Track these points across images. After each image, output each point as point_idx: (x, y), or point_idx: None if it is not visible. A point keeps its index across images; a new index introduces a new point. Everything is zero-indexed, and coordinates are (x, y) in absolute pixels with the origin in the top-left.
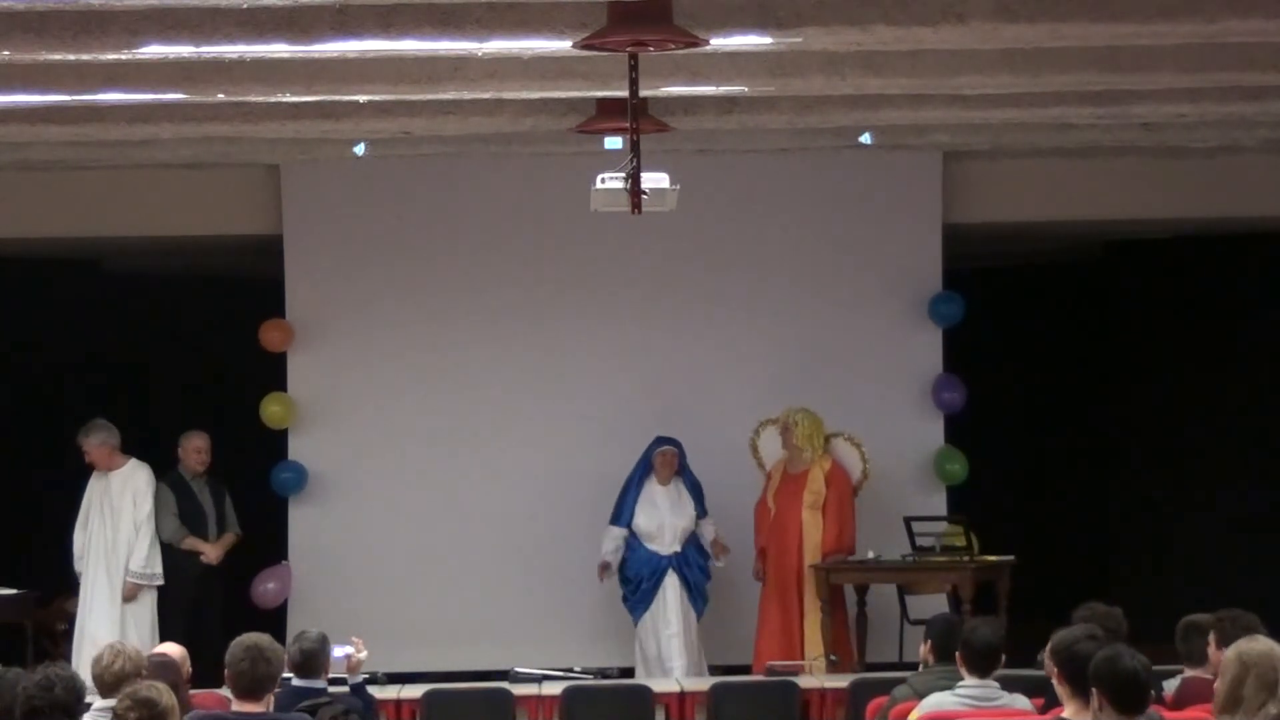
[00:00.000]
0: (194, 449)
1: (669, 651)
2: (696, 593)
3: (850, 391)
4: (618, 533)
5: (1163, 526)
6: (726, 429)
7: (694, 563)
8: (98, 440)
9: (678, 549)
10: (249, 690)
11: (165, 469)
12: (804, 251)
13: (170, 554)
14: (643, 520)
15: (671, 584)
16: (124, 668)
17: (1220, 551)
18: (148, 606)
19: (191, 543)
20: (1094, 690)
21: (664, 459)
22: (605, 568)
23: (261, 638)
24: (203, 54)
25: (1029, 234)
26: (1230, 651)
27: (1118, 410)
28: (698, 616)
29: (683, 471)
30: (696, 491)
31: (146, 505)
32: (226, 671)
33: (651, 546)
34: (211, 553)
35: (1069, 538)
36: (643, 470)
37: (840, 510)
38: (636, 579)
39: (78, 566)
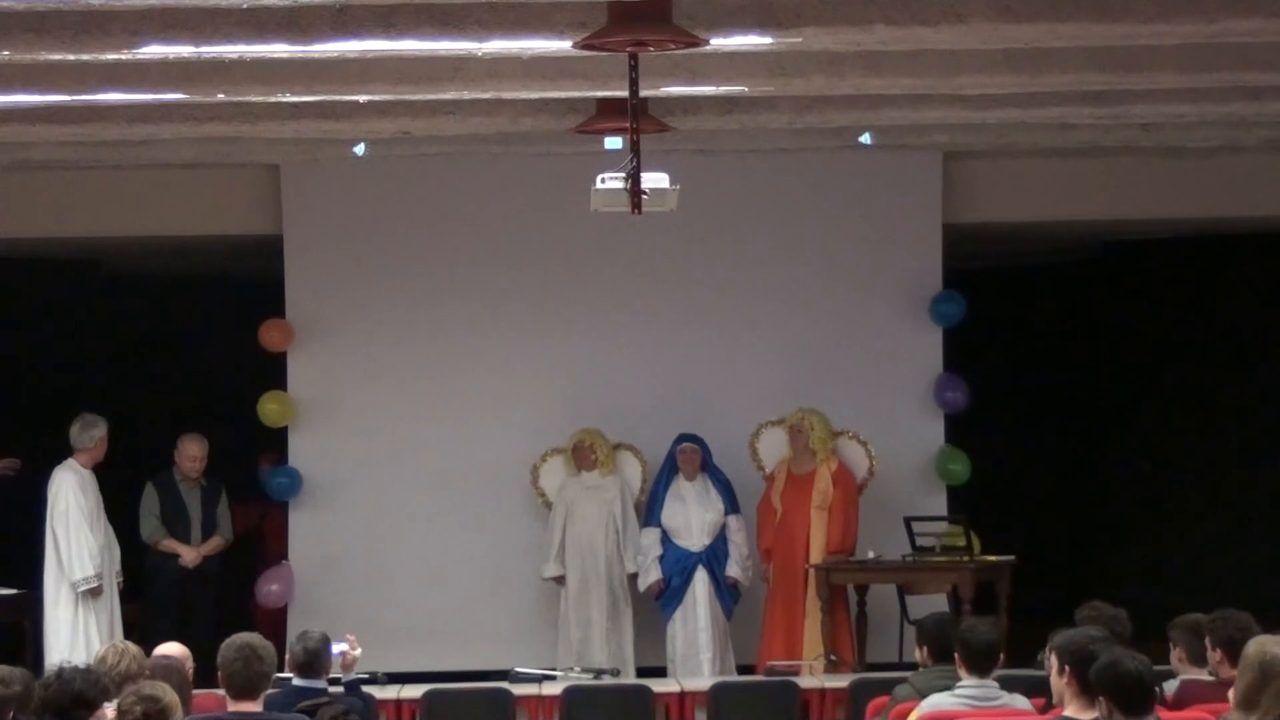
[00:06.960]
0: (189, 456)
1: (698, 646)
2: (725, 590)
3: (851, 391)
4: (652, 534)
5: (1162, 526)
6: (725, 429)
7: (722, 559)
8: (102, 434)
9: (706, 543)
10: (244, 690)
11: (161, 469)
12: (804, 251)
13: (149, 555)
14: (670, 517)
15: (701, 580)
16: (129, 667)
17: (1220, 551)
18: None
19: (169, 544)
20: (1100, 696)
21: (685, 456)
22: (656, 585)
23: (253, 637)
24: (203, 54)
25: (1029, 234)
26: (1252, 648)
27: (1117, 410)
28: (726, 615)
29: (708, 468)
30: (725, 488)
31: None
32: (220, 672)
33: (680, 543)
34: (188, 555)
35: (1069, 538)
36: (669, 469)
37: (845, 510)
38: (668, 576)
39: (92, 568)
